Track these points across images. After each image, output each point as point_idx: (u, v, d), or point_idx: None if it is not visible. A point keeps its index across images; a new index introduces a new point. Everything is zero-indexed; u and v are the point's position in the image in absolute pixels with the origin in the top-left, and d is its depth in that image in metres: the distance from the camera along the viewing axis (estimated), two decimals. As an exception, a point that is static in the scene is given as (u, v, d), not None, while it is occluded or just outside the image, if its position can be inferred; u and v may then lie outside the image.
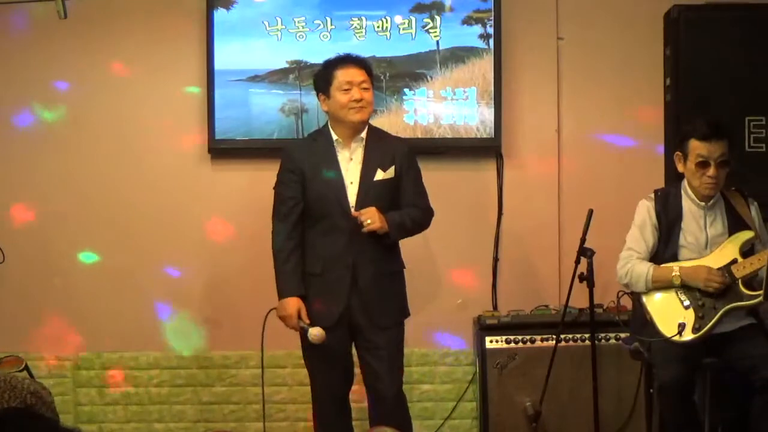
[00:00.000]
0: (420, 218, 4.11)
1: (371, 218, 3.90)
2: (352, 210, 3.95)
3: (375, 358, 4.01)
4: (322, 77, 4.05)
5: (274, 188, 4.08)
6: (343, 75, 3.98)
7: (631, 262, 4.09)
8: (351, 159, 4.02)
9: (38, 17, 4.87)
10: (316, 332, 3.87)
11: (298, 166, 4.02)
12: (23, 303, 4.98)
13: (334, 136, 4.03)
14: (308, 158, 4.03)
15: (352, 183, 3.99)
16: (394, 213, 4.00)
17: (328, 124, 4.08)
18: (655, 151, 4.82)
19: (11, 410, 1.98)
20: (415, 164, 4.12)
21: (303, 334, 3.93)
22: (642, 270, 4.05)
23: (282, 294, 3.98)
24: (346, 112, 3.98)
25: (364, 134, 4.03)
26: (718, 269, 3.98)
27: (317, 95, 4.09)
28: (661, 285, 4.03)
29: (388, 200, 4.01)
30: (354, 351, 4.14)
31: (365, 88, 3.98)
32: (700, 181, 4.04)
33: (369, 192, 3.97)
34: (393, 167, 4.02)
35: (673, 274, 4.00)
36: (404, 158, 4.06)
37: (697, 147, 4.01)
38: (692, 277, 3.98)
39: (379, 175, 4.00)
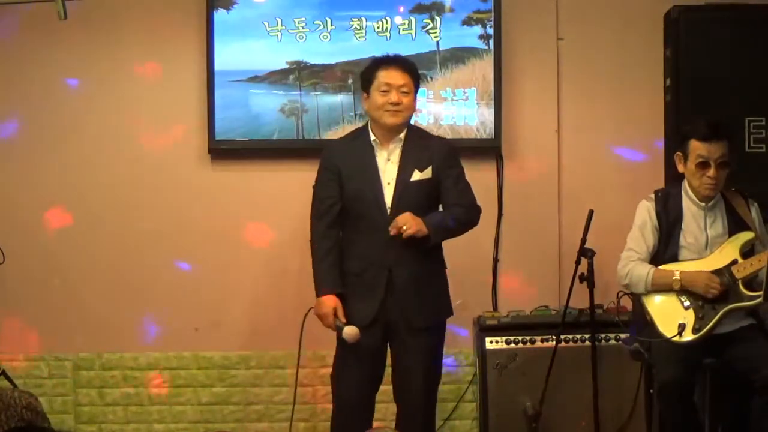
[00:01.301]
0: (464, 216, 4.05)
1: (406, 223, 3.86)
2: (388, 210, 3.94)
3: (404, 362, 4.01)
4: (365, 75, 4.04)
5: (313, 187, 4.08)
6: (384, 76, 3.96)
7: (632, 263, 4.08)
8: (389, 160, 4.00)
9: (38, 18, 4.86)
10: (350, 331, 3.86)
11: (336, 165, 4.01)
12: (23, 303, 4.98)
13: (372, 136, 4.02)
14: (346, 158, 4.02)
15: (389, 184, 3.98)
16: (435, 214, 3.97)
17: (368, 123, 4.07)
18: (655, 151, 4.82)
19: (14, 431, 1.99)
20: (457, 163, 4.07)
21: (338, 332, 3.91)
22: (642, 272, 4.04)
23: (318, 292, 3.97)
24: (382, 114, 3.96)
25: (402, 135, 4.01)
26: (719, 270, 3.98)
27: (361, 93, 4.08)
28: (661, 288, 4.03)
29: (425, 201, 3.99)
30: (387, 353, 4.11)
31: (405, 92, 3.95)
32: (700, 182, 4.04)
33: (405, 192, 3.96)
34: (430, 168, 3.99)
35: (674, 278, 3.99)
36: (443, 158, 4.02)
37: (697, 147, 4.01)
38: (692, 282, 3.97)
39: (416, 175, 3.97)
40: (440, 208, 4.05)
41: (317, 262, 4.00)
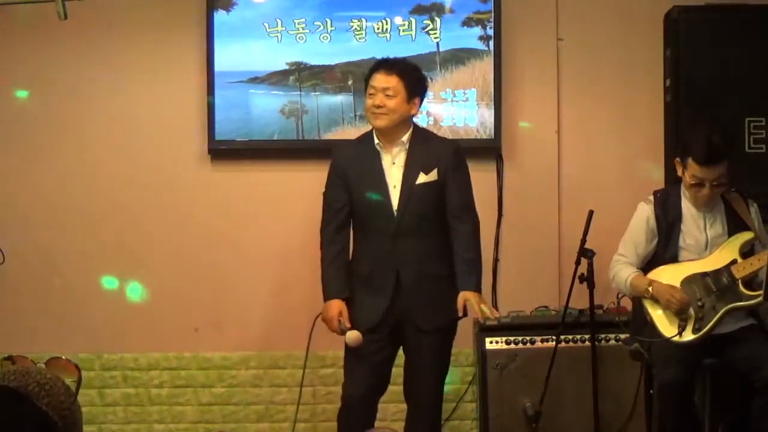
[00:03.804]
0: (475, 235, 4.08)
1: (479, 308, 3.92)
2: (395, 213, 3.96)
3: (414, 362, 4.05)
4: (365, 80, 4.07)
5: (323, 193, 4.11)
6: (372, 80, 3.99)
7: (618, 266, 4.14)
8: (394, 163, 4.01)
9: (38, 18, 4.87)
10: (352, 335, 3.91)
11: (343, 170, 4.04)
12: (23, 303, 4.98)
13: (376, 140, 4.03)
14: (353, 162, 4.05)
15: (395, 187, 3.99)
16: (467, 271, 3.98)
17: None
18: (655, 152, 4.82)
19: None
20: (462, 164, 4.07)
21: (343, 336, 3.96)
22: (623, 276, 4.11)
23: (325, 297, 4.03)
24: (369, 117, 4.01)
25: (406, 138, 4.01)
26: (718, 270, 3.99)
27: None
28: (638, 294, 4.07)
29: (432, 203, 4.00)
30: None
31: (389, 95, 3.94)
32: (694, 198, 4.06)
33: (412, 196, 3.97)
34: (436, 170, 3.99)
35: (646, 288, 4.02)
36: (448, 160, 4.01)
37: (693, 168, 3.98)
38: (658, 294, 4.00)
39: (421, 178, 3.98)
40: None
41: (324, 267, 4.05)
